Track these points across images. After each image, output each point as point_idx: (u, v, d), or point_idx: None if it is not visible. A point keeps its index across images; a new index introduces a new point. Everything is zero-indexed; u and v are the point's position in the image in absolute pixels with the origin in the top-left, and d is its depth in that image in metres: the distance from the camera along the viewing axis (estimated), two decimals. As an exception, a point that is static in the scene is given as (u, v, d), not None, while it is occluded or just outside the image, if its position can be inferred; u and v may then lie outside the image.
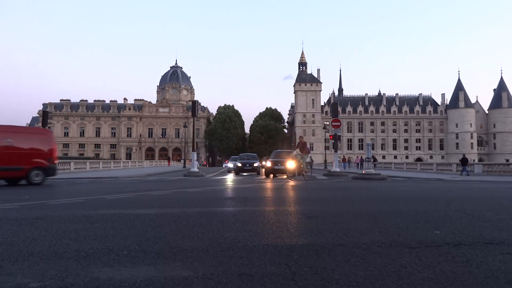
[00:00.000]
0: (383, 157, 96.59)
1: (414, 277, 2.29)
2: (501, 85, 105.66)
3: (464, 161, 27.00)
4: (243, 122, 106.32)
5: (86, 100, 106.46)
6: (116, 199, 7.09)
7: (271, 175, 18.51)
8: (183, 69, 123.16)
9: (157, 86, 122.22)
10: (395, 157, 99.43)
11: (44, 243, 3.19)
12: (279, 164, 18.31)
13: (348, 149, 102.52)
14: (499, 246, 3.17)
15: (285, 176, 14.83)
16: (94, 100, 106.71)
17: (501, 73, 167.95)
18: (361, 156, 54.29)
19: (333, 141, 24.02)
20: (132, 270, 2.44)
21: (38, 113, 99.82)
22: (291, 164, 15.61)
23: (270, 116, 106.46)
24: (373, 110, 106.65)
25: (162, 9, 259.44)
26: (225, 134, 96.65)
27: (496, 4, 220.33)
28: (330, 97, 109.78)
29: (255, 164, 23.40)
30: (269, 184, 12.35)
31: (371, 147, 20.50)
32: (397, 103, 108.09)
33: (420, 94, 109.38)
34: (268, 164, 19.06)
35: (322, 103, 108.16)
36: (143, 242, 3.22)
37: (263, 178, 17.19)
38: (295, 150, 15.99)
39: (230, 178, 17.19)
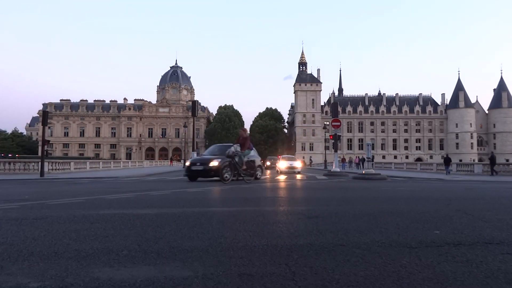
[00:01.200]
0: (383, 157, 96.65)
1: (414, 277, 2.29)
2: (501, 85, 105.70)
3: (447, 161, 27.25)
4: (243, 122, 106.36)
5: (86, 100, 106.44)
6: (116, 199, 7.08)
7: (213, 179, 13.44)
8: (183, 69, 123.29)
9: (157, 86, 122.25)
10: (395, 157, 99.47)
11: (44, 243, 3.19)
12: (198, 164, 13.56)
13: (348, 149, 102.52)
14: (499, 246, 3.17)
15: (235, 180, 12.13)
16: (94, 100, 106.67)
17: (501, 73, 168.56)
18: (359, 156, 54.43)
19: (333, 141, 24.02)
20: (132, 270, 2.43)
21: (38, 113, 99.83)
22: (214, 164, 12.59)
23: (270, 116, 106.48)
24: (373, 110, 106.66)
25: (162, 10, 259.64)
26: (225, 134, 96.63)
27: (496, 5, 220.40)
28: (330, 97, 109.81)
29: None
30: (269, 184, 12.35)
31: (371, 147, 20.52)
32: (397, 103, 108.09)
33: (420, 94, 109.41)
34: (187, 163, 14.82)
35: (322, 103, 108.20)
36: (143, 242, 3.22)
37: (264, 178, 17.16)
38: (234, 145, 13.04)
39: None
